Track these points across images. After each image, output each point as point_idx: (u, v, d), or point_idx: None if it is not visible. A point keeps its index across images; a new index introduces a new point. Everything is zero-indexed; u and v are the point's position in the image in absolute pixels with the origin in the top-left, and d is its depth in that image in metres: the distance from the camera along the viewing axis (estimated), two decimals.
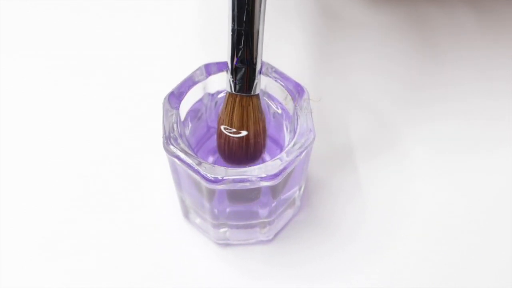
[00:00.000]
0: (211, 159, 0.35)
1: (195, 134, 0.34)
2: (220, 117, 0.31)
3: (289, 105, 0.32)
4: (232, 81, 0.30)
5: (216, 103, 0.34)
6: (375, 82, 0.41)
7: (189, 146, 0.30)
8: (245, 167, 0.28)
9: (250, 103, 0.30)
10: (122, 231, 0.35)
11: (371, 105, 0.40)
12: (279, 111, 0.33)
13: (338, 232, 0.35)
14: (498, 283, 0.33)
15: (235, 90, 0.30)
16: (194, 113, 0.33)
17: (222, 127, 0.31)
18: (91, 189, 0.36)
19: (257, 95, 0.30)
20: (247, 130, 0.30)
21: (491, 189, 0.37)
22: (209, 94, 0.33)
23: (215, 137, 0.35)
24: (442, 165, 0.38)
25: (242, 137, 0.30)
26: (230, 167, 0.29)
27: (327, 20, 0.45)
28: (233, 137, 0.30)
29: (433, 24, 0.45)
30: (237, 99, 0.30)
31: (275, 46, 0.41)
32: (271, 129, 0.34)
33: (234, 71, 0.29)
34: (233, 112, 0.30)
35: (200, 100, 0.33)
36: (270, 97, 0.33)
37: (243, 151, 0.31)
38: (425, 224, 0.35)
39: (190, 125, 0.33)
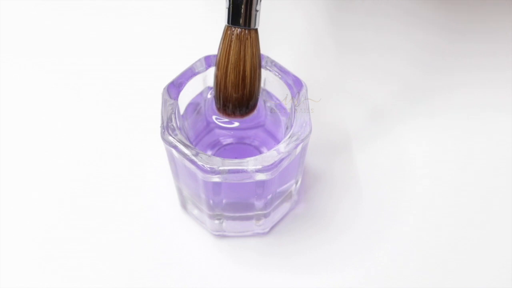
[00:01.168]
0: (209, 153, 0.35)
1: (194, 127, 0.34)
2: (218, 52, 0.30)
3: (289, 105, 0.32)
4: (231, 12, 0.29)
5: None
6: (373, 76, 0.41)
7: (188, 139, 0.31)
8: (239, 113, 0.28)
9: (249, 37, 0.29)
10: (120, 222, 0.35)
11: (368, 99, 0.40)
12: (277, 103, 0.33)
13: (335, 226, 0.35)
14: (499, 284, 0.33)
15: (233, 23, 0.29)
16: (194, 106, 0.33)
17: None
18: (89, 180, 0.37)
19: (256, 30, 0.29)
20: (243, 64, 0.29)
21: (492, 192, 0.37)
22: (209, 88, 0.33)
23: (213, 132, 0.36)
24: (440, 160, 0.38)
25: (239, 72, 0.30)
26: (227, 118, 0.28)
27: (328, 15, 0.45)
28: (229, 72, 0.30)
29: (433, 20, 0.45)
30: (235, 32, 0.29)
31: (275, 42, 0.41)
32: (269, 124, 0.34)
33: (233, 1, 0.28)
34: (230, 46, 0.29)
35: (200, 93, 0.33)
36: (268, 94, 0.33)
37: (239, 88, 0.30)
38: (421, 217, 0.35)
39: (189, 118, 0.33)
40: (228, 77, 0.30)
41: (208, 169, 0.28)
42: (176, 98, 0.30)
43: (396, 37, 0.44)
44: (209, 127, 0.35)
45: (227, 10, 0.29)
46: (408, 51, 0.43)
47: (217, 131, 0.36)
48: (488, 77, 0.41)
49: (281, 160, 0.28)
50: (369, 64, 0.42)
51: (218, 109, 0.31)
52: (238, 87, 0.30)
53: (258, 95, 0.31)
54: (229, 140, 0.36)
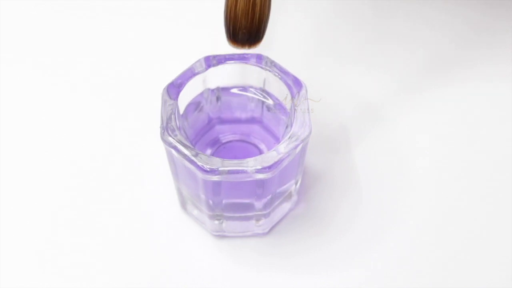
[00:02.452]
0: (209, 151, 0.35)
1: (194, 126, 0.34)
2: None
3: (289, 105, 0.32)
4: None
5: (217, 97, 0.34)
6: (373, 76, 0.41)
7: (187, 138, 0.31)
8: (248, 42, 0.28)
9: None
10: (120, 222, 0.35)
11: (368, 99, 0.40)
12: (276, 103, 0.33)
13: (335, 226, 0.35)
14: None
15: None
16: (194, 105, 0.33)
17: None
18: (89, 180, 0.37)
19: None
20: None
21: (494, 193, 0.37)
22: (209, 89, 0.33)
23: (214, 129, 0.36)
24: (441, 161, 0.38)
25: (249, 0, 0.29)
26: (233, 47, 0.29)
27: (328, 15, 0.45)
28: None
29: (433, 20, 0.45)
30: None
31: (275, 42, 0.41)
32: (268, 122, 0.34)
33: None
34: None
35: (201, 94, 0.33)
36: (269, 94, 0.33)
37: (249, 16, 0.30)
38: (422, 217, 0.35)
39: (189, 118, 0.33)
40: (238, 5, 0.30)
41: (208, 169, 0.28)
42: (175, 99, 0.30)
43: (396, 37, 0.44)
44: (210, 125, 0.35)
45: None
46: (409, 50, 0.43)
47: (217, 128, 0.36)
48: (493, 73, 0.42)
49: (281, 160, 0.28)
50: (369, 64, 0.42)
51: (228, 38, 0.31)
52: (248, 15, 0.30)
53: (267, 23, 0.31)
54: (228, 138, 0.36)
